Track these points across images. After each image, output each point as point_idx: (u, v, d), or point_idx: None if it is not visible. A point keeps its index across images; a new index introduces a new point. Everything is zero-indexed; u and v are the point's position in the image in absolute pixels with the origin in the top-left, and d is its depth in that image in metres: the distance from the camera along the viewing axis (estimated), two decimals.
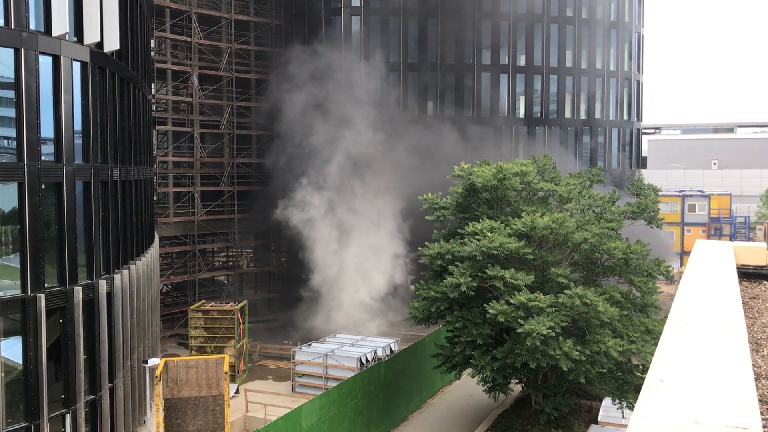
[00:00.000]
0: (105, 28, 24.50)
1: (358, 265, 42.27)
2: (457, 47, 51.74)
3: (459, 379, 30.99)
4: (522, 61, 53.17)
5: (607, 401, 27.51)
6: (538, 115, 53.87)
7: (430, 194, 28.85)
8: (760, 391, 5.46)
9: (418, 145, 43.99)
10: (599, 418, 27.24)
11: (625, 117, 58.44)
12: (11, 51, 20.44)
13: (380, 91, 47.08)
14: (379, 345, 34.05)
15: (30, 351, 20.74)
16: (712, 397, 3.81)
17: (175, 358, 27.92)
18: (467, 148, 45.85)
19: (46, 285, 21.42)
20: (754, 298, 9.21)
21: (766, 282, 10.27)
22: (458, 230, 27.32)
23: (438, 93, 51.27)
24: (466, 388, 33.71)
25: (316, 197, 43.13)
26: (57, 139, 22.18)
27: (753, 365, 5.67)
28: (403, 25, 50.67)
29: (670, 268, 28.22)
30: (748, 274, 10.49)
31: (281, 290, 49.03)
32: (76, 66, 22.98)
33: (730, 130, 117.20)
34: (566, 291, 22.97)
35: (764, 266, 10.58)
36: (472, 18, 51.26)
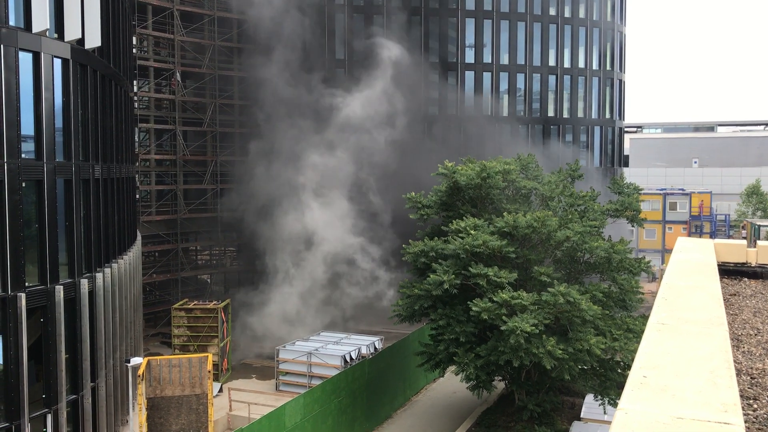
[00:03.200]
0: (86, 24, 24.25)
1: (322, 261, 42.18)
2: (441, 45, 51.84)
3: (443, 376, 31.11)
4: (505, 59, 53.38)
5: (589, 398, 27.70)
6: (522, 113, 54.08)
7: (413, 193, 28.88)
8: (742, 386, 5.52)
9: (401, 142, 43.97)
10: (582, 415, 27.42)
11: (608, 116, 58.83)
12: None
13: (363, 89, 46.98)
14: (363, 343, 34.04)
15: (10, 350, 20.52)
16: (695, 393, 3.85)
17: (158, 357, 27.74)
18: (451, 146, 45.89)
19: (26, 284, 21.20)
20: (735, 294, 9.31)
21: (746, 279, 10.39)
22: (442, 227, 27.36)
23: (422, 90, 51.30)
24: (450, 386, 33.82)
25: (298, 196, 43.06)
26: (38, 137, 21.94)
27: (734, 361, 5.73)
28: (387, 23, 50.66)
29: (651, 265, 28.46)
30: (728, 271, 10.60)
31: (263, 288, 48.80)
32: (57, 63, 22.74)
33: (711, 128, 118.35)
34: (549, 289, 23.08)
35: (744, 263, 10.71)
36: (455, 16, 51.38)
